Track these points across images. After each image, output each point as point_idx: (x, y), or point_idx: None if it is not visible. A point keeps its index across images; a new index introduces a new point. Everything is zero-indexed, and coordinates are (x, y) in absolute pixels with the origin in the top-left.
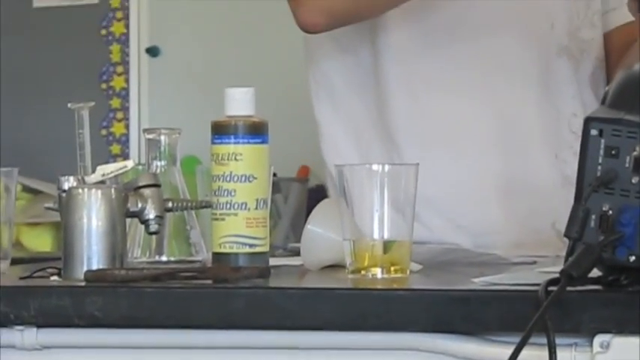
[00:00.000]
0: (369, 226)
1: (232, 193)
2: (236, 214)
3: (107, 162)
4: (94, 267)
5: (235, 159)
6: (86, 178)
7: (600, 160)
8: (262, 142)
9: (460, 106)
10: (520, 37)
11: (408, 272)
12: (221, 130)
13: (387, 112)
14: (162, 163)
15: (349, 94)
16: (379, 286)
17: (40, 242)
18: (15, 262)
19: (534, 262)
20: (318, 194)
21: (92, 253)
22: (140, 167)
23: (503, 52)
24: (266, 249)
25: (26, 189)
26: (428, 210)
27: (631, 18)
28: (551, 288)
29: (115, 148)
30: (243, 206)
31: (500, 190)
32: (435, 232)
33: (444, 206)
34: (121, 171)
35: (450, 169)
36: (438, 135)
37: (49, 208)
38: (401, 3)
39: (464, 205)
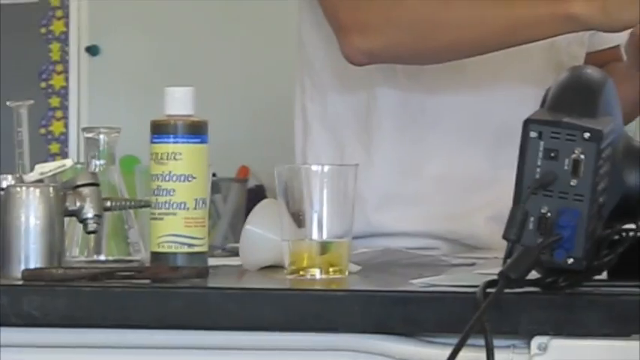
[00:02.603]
0: (308, 226)
1: (171, 193)
2: (175, 214)
3: (46, 161)
4: (32, 266)
5: (174, 158)
6: (24, 177)
7: (539, 162)
8: (202, 142)
9: (447, 106)
10: (521, 57)
11: (346, 273)
12: (160, 130)
13: (372, 114)
14: (101, 162)
15: (339, 98)
16: (317, 287)
17: None
18: None
19: (473, 264)
20: (257, 194)
21: (30, 252)
22: (79, 166)
23: (502, 72)
24: (205, 249)
25: None
26: (406, 203)
27: (610, 44)
28: (489, 290)
29: (54, 147)
30: (182, 206)
31: (473, 184)
32: (409, 224)
33: (422, 199)
34: (59, 169)
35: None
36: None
37: None
38: (443, 61)
39: (443, 197)
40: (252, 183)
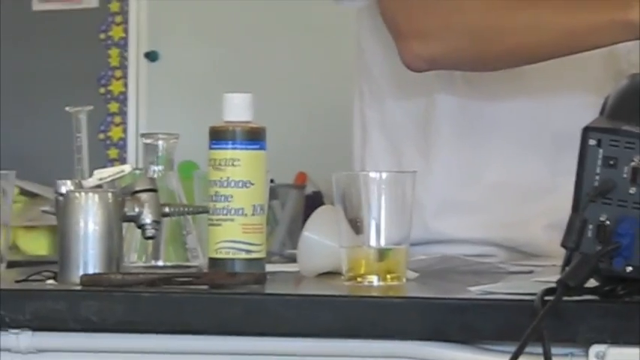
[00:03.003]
0: (366, 233)
1: (229, 199)
2: (233, 220)
3: (105, 166)
4: (90, 271)
5: (233, 164)
6: (83, 182)
7: (598, 170)
8: (260, 148)
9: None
10: (581, 65)
11: (404, 280)
12: (219, 136)
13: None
14: (160, 167)
15: (397, 105)
16: (375, 294)
17: (37, 245)
18: (11, 265)
19: (531, 272)
20: (315, 201)
21: (88, 257)
22: (137, 172)
23: (561, 79)
24: (262, 255)
25: (23, 192)
26: (464, 211)
27: None
28: (547, 297)
29: (113, 153)
30: (240, 212)
31: (532, 191)
32: (466, 231)
33: (481, 206)
34: (118, 175)
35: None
36: (480, 136)
37: (45, 212)
38: (503, 67)
39: (502, 204)
40: (309, 189)
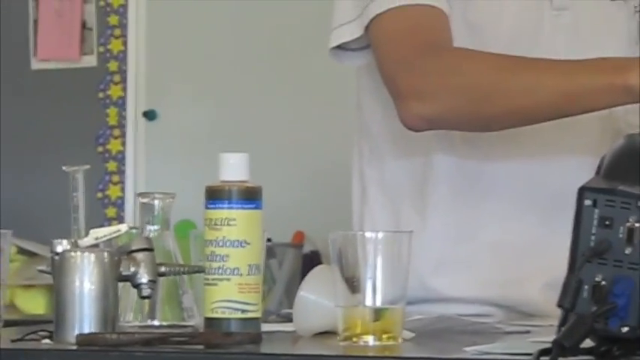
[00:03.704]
0: (362, 292)
1: (225, 259)
2: (229, 280)
3: (102, 225)
4: (86, 330)
5: (228, 224)
6: (79, 242)
7: (594, 230)
8: (256, 208)
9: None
10: (579, 125)
11: (400, 340)
12: (215, 195)
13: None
14: (156, 227)
15: (396, 164)
16: (371, 354)
17: (34, 304)
18: (8, 324)
19: (528, 332)
20: (312, 260)
21: (84, 317)
22: (134, 231)
23: (559, 139)
24: (258, 315)
25: (21, 251)
26: (460, 269)
27: None
28: (543, 358)
29: (111, 211)
30: (236, 271)
31: (528, 250)
32: (463, 290)
33: (477, 265)
34: (114, 235)
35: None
36: (475, 196)
37: (42, 271)
38: (500, 128)
39: (498, 263)
40: (307, 248)
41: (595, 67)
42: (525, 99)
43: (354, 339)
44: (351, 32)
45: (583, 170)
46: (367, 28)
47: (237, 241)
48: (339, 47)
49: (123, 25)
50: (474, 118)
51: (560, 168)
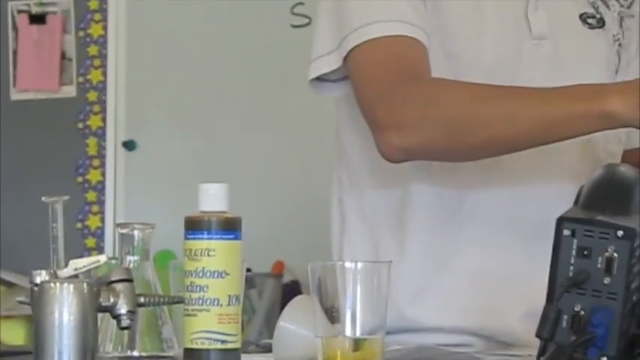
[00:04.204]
0: (341, 322)
1: (204, 289)
2: (208, 310)
3: (82, 255)
4: None
5: (208, 254)
6: (59, 272)
7: (572, 260)
8: (235, 238)
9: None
10: (559, 153)
11: None
12: (194, 226)
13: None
14: (136, 257)
15: (375, 193)
16: None
17: (14, 335)
18: None
19: None
20: (292, 290)
21: (63, 348)
22: (113, 262)
23: (539, 168)
24: (238, 345)
25: (1, 281)
26: (444, 298)
27: None
28: None
29: (91, 242)
30: (216, 302)
31: (508, 279)
32: (445, 318)
33: (459, 294)
34: (93, 265)
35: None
36: (455, 222)
37: (21, 302)
38: (478, 157)
39: (477, 291)
40: (287, 278)
41: (572, 93)
42: (503, 128)
43: None
44: (329, 64)
45: (563, 198)
46: (345, 59)
47: (217, 271)
48: (318, 79)
49: (102, 56)
50: (452, 149)
51: (540, 196)
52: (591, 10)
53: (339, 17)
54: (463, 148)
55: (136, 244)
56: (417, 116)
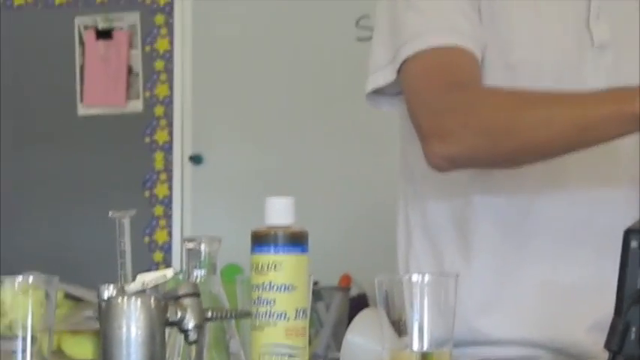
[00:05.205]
0: (409, 336)
1: (272, 303)
2: (275, 324)
3: (149, 269)
4: None
5: (275, 269)
6: (126, 287)
7: None
8: (302, 252)
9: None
10: (625, 161)
11: None
12: (260, 240)
13: (467, 222)
14: (202, 272)
15: (438, 206)
16: None
17: (82, 350)
18: None
19: None
20: (359, 303)
21: None
22: (180, 276)
23: (605, 175)
24: (305, 359)
25: (68, 296)
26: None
27: None
28: None
29: (158, 256)
30: (283, 316)
31: (576, 291)
32: (507, 331)
33: (524, 307)
34: (160, 280)
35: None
36: (515, 240)
37: (89, 317)
38: (519, 164)
39: (545, 304)
40: (354, 291)
41: (605, 97)
42: (541, 133)
43: None
44: (384, 77)
45: (629, 205)
46: (399, 71)
47: (284, 285)
48: (376, 92)
49: (169, 70)
50: (494, 156)
51: (607, 203)
52: None
53: (395, 30)
54: (504, 154)
55: (202, 258)
56: (458, 124)
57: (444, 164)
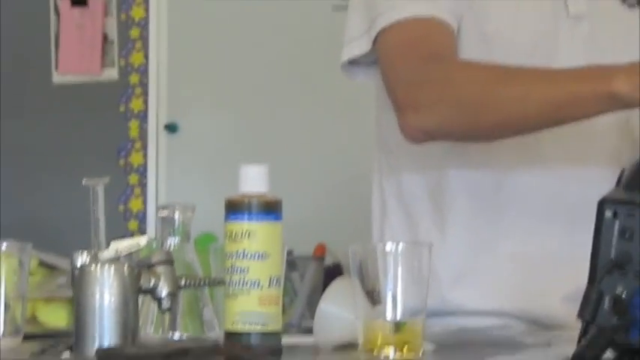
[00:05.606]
0: (382, 305)
1: (245, 271)
2: (249, 292)
3: (124, 238)
4: (106, 344)
5: (248, 237)
6: (99, 255)
7: (614, 242)
8: (276, 220)
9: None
10: (597, 135)
11: (420, 352)
12: (235, 208)
13: (442, 189)
14: (176, 239)
15: (413, 177)
16: None
17: (56, 317)
18: (28, 337)
19: (549, 344)
20: (334, 272)
21: (104, 330)
22: (154, 244)
23: (578, 150)
24: (279, 328)
25: (43, 264)
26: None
27: None
28: None
29: (133, 224)
30: (256, 284)
31: (549, 262)
32: (476, 301)
33: (491, 275)
34: (134, 248)
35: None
36: (492, 207)
37: (63, 285)
38: (493, 138)
39: (518, 275)
40: (329, 261)
41: (579, 74)
42: (515, 109)
43: (375, 351)
44: (359, 47)
45: (604, 179)
46: (375, 41)
47: (258, 253)
48: (352, 62)
49: (144, 38)
50: (469, 129)
51: (580, 177)
52: None
53: (370, 0)
54: (478, 128)
55: (176, 226)
56: (434, 97)
57: (418, 136)
